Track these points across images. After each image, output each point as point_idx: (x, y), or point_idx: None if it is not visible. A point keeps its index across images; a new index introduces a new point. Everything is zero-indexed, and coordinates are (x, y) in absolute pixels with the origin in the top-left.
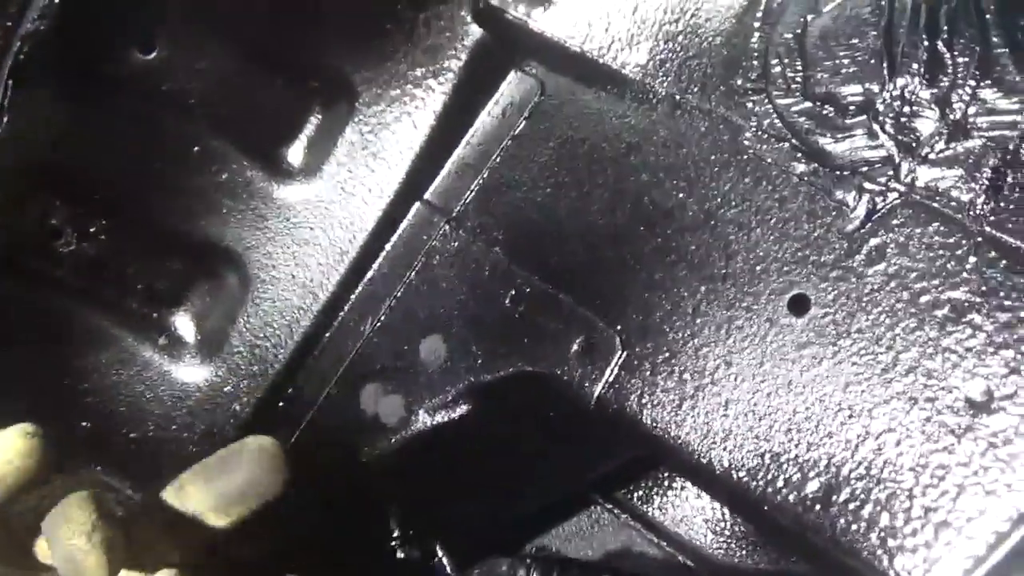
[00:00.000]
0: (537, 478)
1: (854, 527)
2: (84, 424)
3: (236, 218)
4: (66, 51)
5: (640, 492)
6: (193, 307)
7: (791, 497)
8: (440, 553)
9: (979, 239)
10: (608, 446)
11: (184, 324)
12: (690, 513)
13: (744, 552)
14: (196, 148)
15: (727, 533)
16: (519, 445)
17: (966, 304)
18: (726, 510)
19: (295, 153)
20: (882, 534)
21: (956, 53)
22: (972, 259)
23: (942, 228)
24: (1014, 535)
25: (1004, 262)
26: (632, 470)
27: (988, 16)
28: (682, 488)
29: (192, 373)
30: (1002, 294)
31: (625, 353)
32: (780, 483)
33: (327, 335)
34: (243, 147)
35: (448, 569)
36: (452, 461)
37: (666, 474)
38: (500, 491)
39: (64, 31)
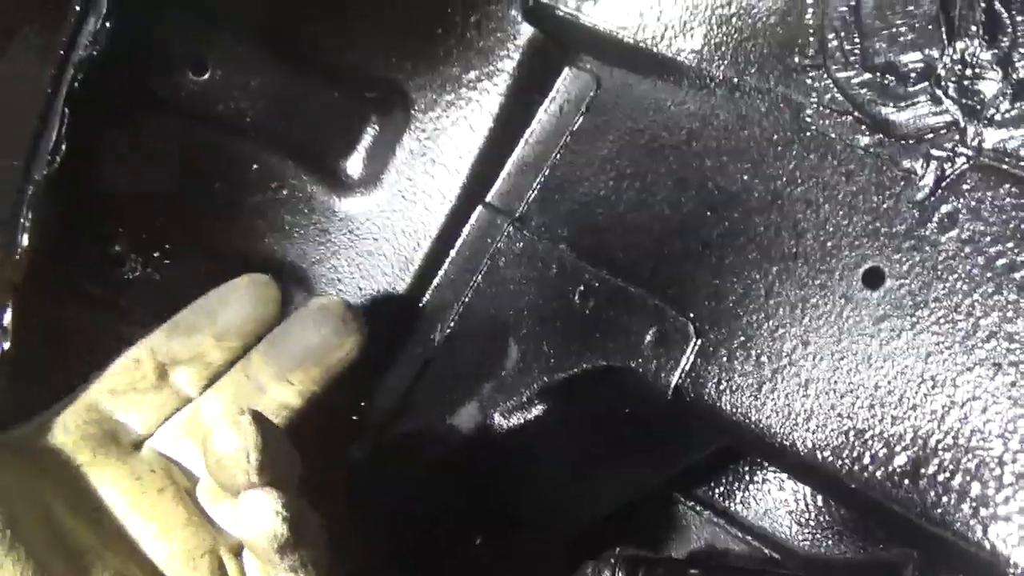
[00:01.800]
0: (616, 478)
1: (945, 499)
2: None
3: (299, 234)
4: (119, 76)
5: (721, 488)
6: None
7: (878, 473)
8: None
9: None
10: (687, 442)
11: None
12: (773, 506)
13: (831, 542)
14: (255, 166)
15: (812, 524)
16: (597, 445)
17: None
18: (810, 501)
19: (354, 165)
20: (974, 504)
21: (1014, 11)
22: None
23: (1013, 190)
24: None
25: None
26: (713, 466)
27: None
28: (764, 481)
29: None
30: None
31: (700, 341)
32: (866, 460)
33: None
34: (301, 162)
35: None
36: (529, 464)
37: (747, 468)
38: (579, 492)
39: (116, 56)
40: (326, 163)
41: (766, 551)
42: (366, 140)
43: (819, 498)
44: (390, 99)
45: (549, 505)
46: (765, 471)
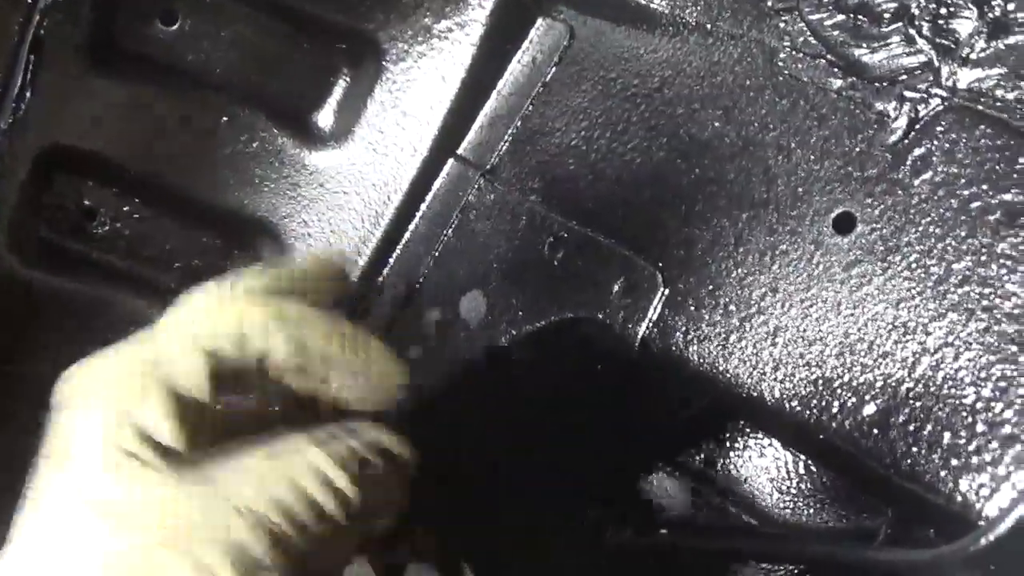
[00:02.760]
0: (591, 439)
1: (915, 449)
2: None
3: (269, 187)
4: (86, 25)
5: (701, 453)
6: None
7: (847, 423)
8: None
9: None
10: (664, 401)
11: None
12: (753, 473)
13: (811, 510)
14: (224, 119)
15: (792, 491)
16: (569, 403)
17: (1018, 207)
18: (791, 468)
19: (325, 117)
20: (945, 454)
21: None
22: (1022, 160)
23: (988, 131)
24: None
25: None
26: (692, 431)
27: None
28: (744, 448)
29: None
30: None
31: (667, 290)
32: (835, 409)
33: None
34: (272, 115)
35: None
36: (496, 422)
37: (727, 434)
38: (552, 455)
39: (83, 4)
40: (297, 116)
41: (744, 517)
42: (337, 92)
43: (800, 466)
44: (361, 50)
45: (520, 471)
46: (746, 437)
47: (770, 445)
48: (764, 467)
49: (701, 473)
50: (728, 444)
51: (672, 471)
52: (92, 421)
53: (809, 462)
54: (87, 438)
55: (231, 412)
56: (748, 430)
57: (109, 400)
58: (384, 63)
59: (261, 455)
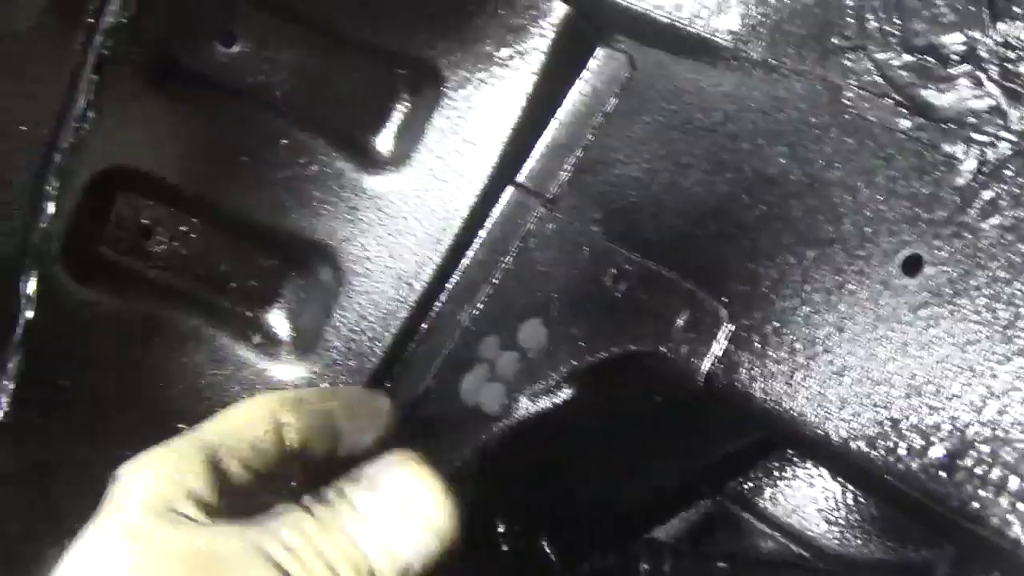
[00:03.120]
0: (645, 468)
1: (981, 492)
2: (180, 426)
3: (327, 211)
4: (148, 46)
5: (751, 484)
6: (287, 304)
7: (914, 465)
8: (547, 548)
9: None
10: (718, 433)
11: (278, 321)
12: (802, 503)
13: (860, 542)
14: (284, 141)
15: (841, 523)
16: (626, 434)
17: None
18: (840, 499)
19: (384, 142)
20: (1012, 498)
21: None
22: None
23: None
24: None
25: None
26: (743, 461)
27: None
28: (794, 477)
29: (288, 370)
30: None
31: (732, 326)
32: (902, 450)
33: (424, 326)
34: (331, 138)
35: (555, 563)
36: (557, 451)
37: (777, 464)
38: (607, 482)
39: (145, 25)
40: (356, 140)
41: (794, 548)
42: (396, 117)
43: (849, 497)
44: (421, 77)
45: (575, 496)
46: (796, 468)
47: (819, 475)
48: (813, 497)
49: (749, 503)
50: (778, 474)
51: (721, 500)
52: (142, 480)
53: (859, 494)
54: (136, 492)
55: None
56: (796, 460)
57: (159, 467)
58: (444, 89)
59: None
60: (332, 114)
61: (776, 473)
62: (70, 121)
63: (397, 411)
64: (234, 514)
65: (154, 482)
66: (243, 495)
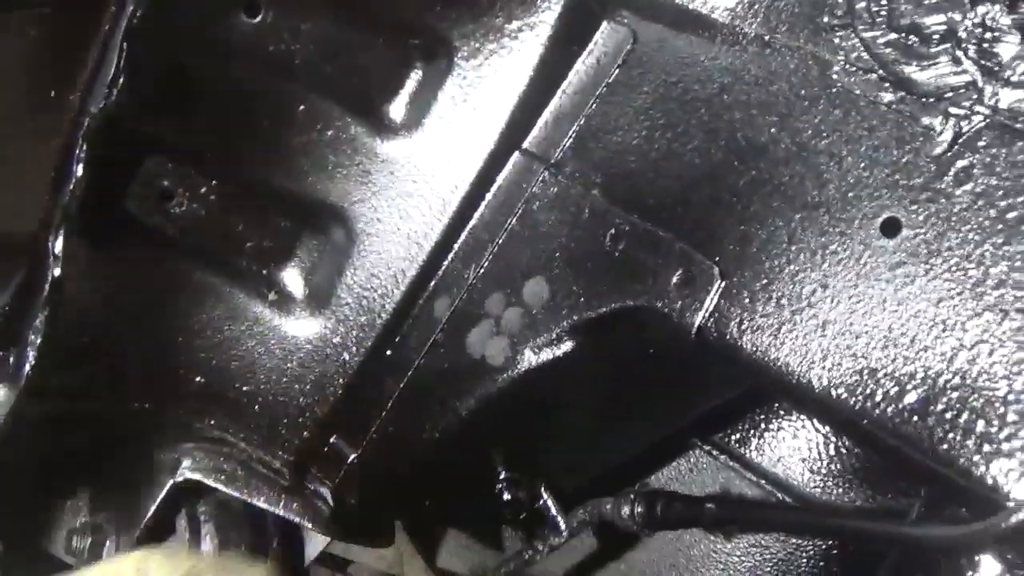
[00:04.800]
0: (639, 417)
1: (951, 435)
2: (198, 379)
3: (341, 174)
4: (175, 14)
5: (738, 434)
6: (301, 262)
7: (889, 410)
8: (545, 494)
9: None
10: (708, 384)
11: (293, 279)
12: (787, 453)
13: (841, 490)
14: (302, 107)
15: (823, 472)
16: (622, 385)
17: None
18: (823, 449)
19: (397, 109)
20: (978, 440)
21: None
22: None
23: None
24: None
25: None
26: (730, 413)
27: None
28: (779, 429)
29: (302, 326)
30: None
31: (724, 282)
32: (878, 397)
33: (432, 283)
34: (347, 105)
35: (553, 510)
36: (557, 401)
37: (763, 416)
38: (604, 431)
39: None
40: (371, 106)
41: (778, 495)
42: (410, 85)
43: (832, 447)
44: (434, 46)
45: (574, 445)
46: (780, 419)
47: (803, 427)
48: (797, 448)
49: (736, 452)
50: (763, 425)
51: (709, 450)
52: None
53: (840, 444)
54: None
55: None
56: (782, 412)
57: None
58: (456, 59)
59: None
60: (348, 81)
61: (762, 425)
62: (101, 87)
63: None
64: None
65: None
66: None
